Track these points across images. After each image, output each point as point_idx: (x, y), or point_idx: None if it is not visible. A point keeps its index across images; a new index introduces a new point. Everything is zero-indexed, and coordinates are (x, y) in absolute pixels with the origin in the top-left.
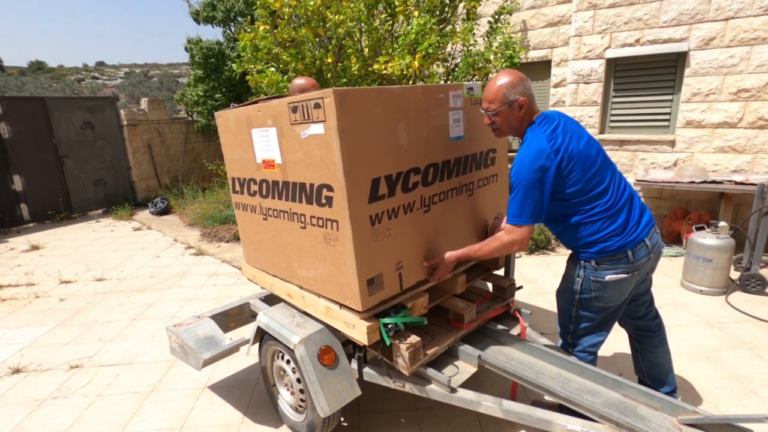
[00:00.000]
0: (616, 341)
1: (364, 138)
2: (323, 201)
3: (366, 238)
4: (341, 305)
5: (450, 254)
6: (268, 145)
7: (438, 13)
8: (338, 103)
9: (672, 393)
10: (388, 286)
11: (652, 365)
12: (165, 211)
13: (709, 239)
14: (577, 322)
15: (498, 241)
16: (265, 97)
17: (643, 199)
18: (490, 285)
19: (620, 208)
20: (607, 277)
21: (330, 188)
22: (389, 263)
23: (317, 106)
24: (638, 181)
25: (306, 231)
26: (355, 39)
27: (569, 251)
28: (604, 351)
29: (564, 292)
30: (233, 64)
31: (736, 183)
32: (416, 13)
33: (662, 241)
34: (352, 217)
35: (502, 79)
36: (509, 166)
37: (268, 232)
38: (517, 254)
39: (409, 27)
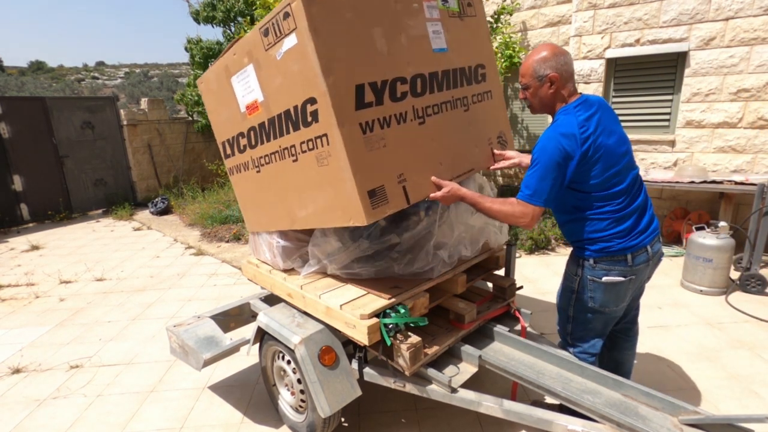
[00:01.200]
0: None
1: (338, 40)
2: (309, 119)
3: (359, 147)
4: (342, 305)
5: (458, 187)
6: (248, 86)
7: None
8: (306, 4)
9: None
10: (392, 199)
11: (616, 364)
12: (165, 211)
13: (709, 239)
14: (575, 323)
15: (510, 205)
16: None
17: None
18: (490, 285)
19: (630, 213)
20: (604, 279)
21: (313, 101)
22: (390, 175)
23: (286, 15)
24: None
25: (298, 163)
26: None
27: (569, 251)
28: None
29: (563, 292)
30: None
31: (736, 183)
32: None
33: (662, 251)
34: (340, 123)
35: (537, 54)
36: (501, 81)
37: (264, 184)
38: (517, 254)
39: None
